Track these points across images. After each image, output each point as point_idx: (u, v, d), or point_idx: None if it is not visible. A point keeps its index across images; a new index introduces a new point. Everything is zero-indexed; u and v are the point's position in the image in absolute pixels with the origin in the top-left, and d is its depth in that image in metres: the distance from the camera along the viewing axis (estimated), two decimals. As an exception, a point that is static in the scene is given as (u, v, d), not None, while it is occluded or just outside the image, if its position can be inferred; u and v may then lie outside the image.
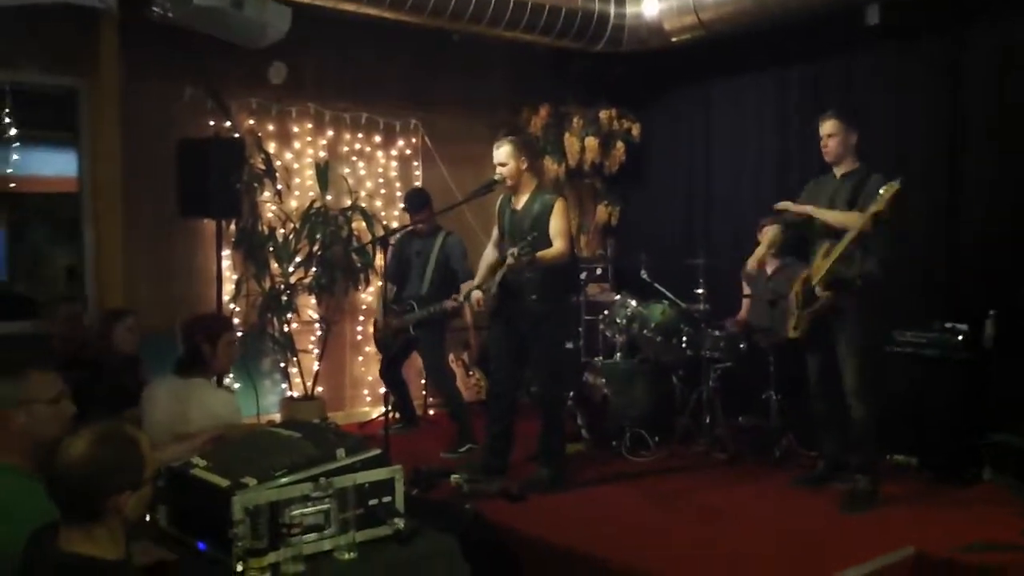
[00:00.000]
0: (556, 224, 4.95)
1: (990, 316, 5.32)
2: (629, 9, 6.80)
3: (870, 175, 4.75)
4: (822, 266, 4.76)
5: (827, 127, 4.87)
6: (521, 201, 5.12)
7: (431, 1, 5.88)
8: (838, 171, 4.90)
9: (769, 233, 5.29)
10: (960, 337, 5.34)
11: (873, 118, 6.06)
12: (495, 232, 5.37)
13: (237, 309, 6.51)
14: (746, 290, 6.44)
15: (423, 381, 7.24)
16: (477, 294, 5.23)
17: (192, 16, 4.20)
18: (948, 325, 5.42)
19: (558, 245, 4.92)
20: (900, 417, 5.30)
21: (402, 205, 6.50)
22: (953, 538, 4.16)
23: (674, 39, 6.81)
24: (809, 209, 4.87)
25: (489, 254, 5.37)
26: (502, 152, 5.06)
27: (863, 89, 6.36)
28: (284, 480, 2.68)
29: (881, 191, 4.50)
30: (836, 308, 4.78)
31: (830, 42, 6.42)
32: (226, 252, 6.30)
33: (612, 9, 6.75)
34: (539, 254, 4.80)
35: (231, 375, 6.47)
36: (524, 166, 5.08)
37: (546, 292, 4.99)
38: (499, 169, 5.07)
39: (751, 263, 5.20)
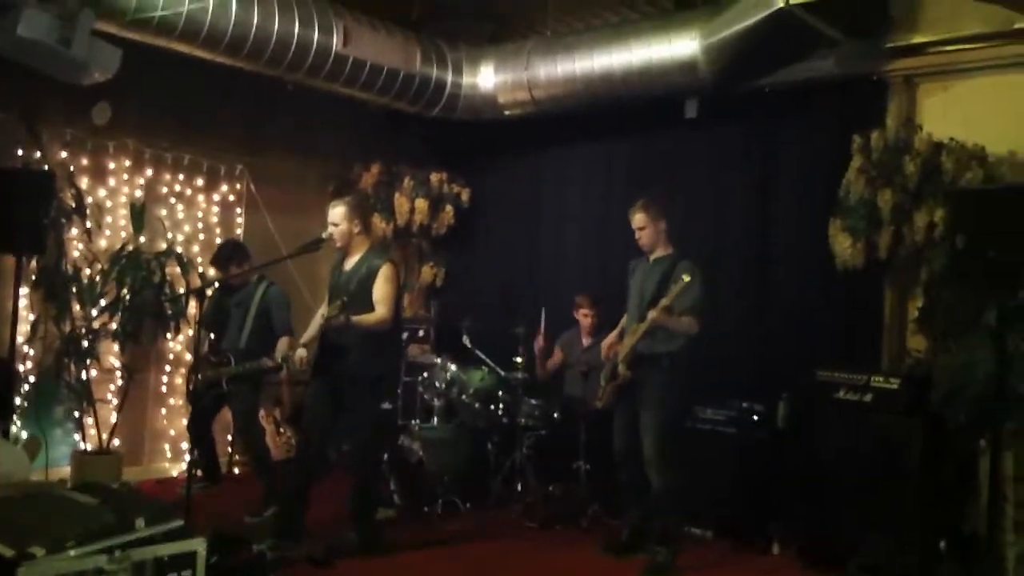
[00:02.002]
0: (380, 289, 4.93)
1: (783, 397, 5.69)
2: (466, 79, 6.95)
3: (679, 261, 5.06)
4: (626, 344, 5.01)
5: (636, 220, 5.19)
6: (351, 262, 5.09)
7: (268, 50, 5.79)
8: (651, 256, 5.20)
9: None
10: (756, 416, 5.70)
11: (692, 198, 6.48)
12: (328, 292, 5.30)
13: (31, 352, 6.08)
14: (556, 358, 6.65)
15: (229, 436, 6.96)
16: (302, 352, 5.13)
17: (15, 47, 3.94)
18: (746, 404, 5.77)
19: (380, 311, 4.89)
20: (699, 490, 5.54)
21: (215, 261, 6.19)
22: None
23: (507, 112, 7.02)
24: (626, 344, 5.09)
25: (320, 314, 5.27)
26: (336, 213, 5.04)
27: (683, 169, 6.76)
28: (76, 552, 2.51)
29: (675, 285, 4.80)
30: (639, 383, 5.01)
31: (654, 124, 6.79)
32: (25, 290, 5.88)
33: (449, 78, 6.88)
34: (357, 319, 4.78)
35: (17, 424, 6.04)
36: (356, 229, 5.07)
37: (367, 355, 4.94)
38: (331, 228, 5.04)
39: (605, 348, 5.38)
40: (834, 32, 5.30)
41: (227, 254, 6.08)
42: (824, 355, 5.67)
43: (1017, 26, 5.08)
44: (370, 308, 4.89)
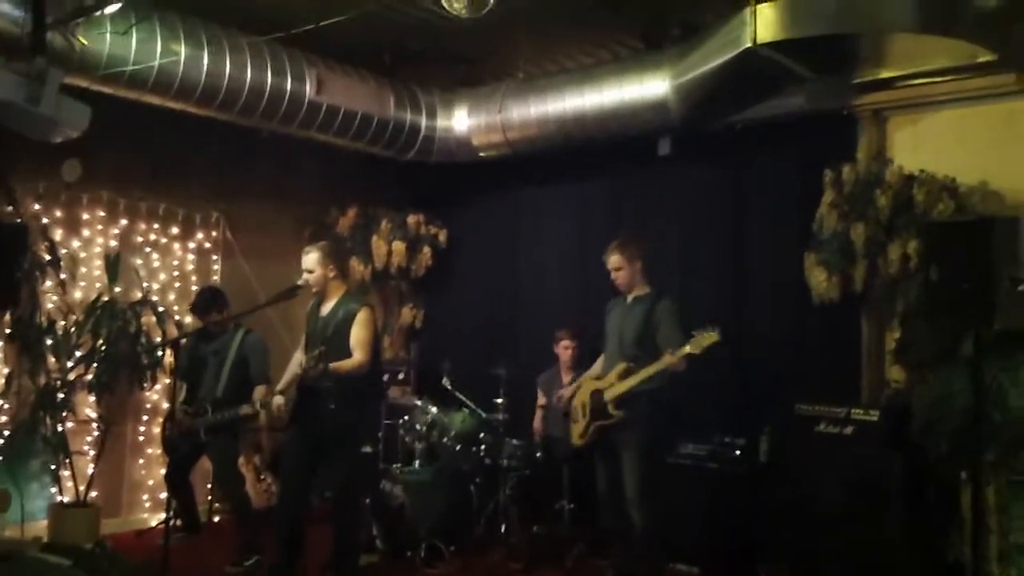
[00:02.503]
0: (357, 334, 4.91)
1: (765, 432, 5.69)
2: (440, 123, 6.99)
3: (660, 299, 5.07)
4: (618, 387, 4.99)
5: (612, 262, 5.23)
6: (327, 307, 5.08)
7: (240, 100, 5.80)
8: (629, 296, 5.21)
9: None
10: (738, 451, 5.69)
11: (666, 233, 6.53)
12: (304, 337, 5.27)
13: (6, 405, 6.00)
14: (541, 399, 6.61)
15: (209, 485, 6.87)
16: (279, 400, 5.10)
17: (-19, 105, 3.94)
18: (727, 439, 5.76)
19: (357, 356, 4.87)
20: (682, 527, 5.52)
21: (195, 307, 6.13)
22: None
23: (482, 153, 7.06)
24: (623, 384, 5.05)
25: (297, 359, 5.26)
26: (310, 259, 5.03)
27: (657, 205, 6.81)
28: (47, 619, 2.47)
29: (701, 335, 4.79)
30: (620, 422, 5.00)
31: (628, 162, 6.84)
32: (-1, 344, 5.82)
33: (423, 122, 6.92)
34: (335, 365, 4.75)
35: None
36: (332, 274, 5.06)
37: (345, 400, 4.90)
38: (306, 275, 5.04)
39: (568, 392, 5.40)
40: (803, 70, 5.36)
41: (206, 301, 6.04)
42: (803, 387, 5.69)
43: (981, 59, 5.16)
44: (347, 353, 4.86)
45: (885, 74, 5.64)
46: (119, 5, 4.55)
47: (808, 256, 5.55)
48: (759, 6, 4.98)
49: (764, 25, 5.00)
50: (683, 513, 5.56)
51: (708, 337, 4.80)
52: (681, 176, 6.64)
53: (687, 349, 4.81)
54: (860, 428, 5.12)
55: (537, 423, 6.58)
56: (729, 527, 5.53)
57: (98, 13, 4.63)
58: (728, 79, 5.46)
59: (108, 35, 4.94)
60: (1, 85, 3.88)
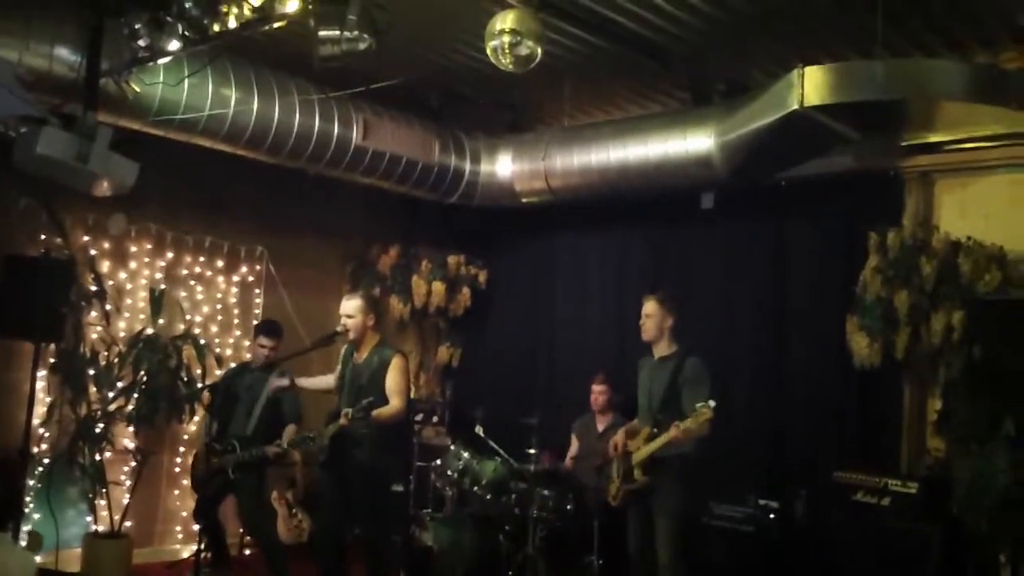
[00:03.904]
0: (393, 381, 5.02)
1: (800, 495, 5.60)
2: (484, 168, 7.03)
3: (686, 359, 5.01)
4: (643, 451, 4.95)
5: (647, 307, 5.19)
6: (362, 355, 5.18)
7: (288, 144, 5.89)
8: (656, 352, 5.18)
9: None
10: (772, 514, 5.60)
11: (706, 287, 6.48)
12: (338, 370, 5.39)
13: (47, 434, 6.10)
14: (573, 448, 6.58)
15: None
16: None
17: (34, 163, 4.03)
18: (762, 502, 5.67)
19: (394, 403, 4.97)
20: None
21: (259, 327, 6.22)
22: None
23: (524, 199, 7.07)
24: (643, 450, 4.98)
25: (328, 379, 5.47)
26: (351, 305, 5.14)
27: (697, 259, 6.77)
28: None
29: (699, 408, 4.68)
30: (653, 486, 4.96)
31: (670, 214, 6.81)
32: (42, 373, 5.91)
33: (467, 166, 6.96)
34: (376, 413, 4.85)
35: (31, 504, 6.05)
36: (371, 323, 5.18)
37: (377, 447, 5.01)
38: (344, 320, 5.13)
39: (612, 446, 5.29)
40: (850, 131, 5.30)
41: (270, 327, 6.11)
42: (841, 451, 5.61)
43: (1033, 127, 5.08)
44: (384, 401, 4.95)
45: (934, 138, 5.58)
46: (173, 56, 4.61)
47: (850, 320, 5.47)
48: (807, 68, 4.93)
49: (812, 87, 4.93)
50: (715, 575, 5.48)
51: (703, 413, 4.66)
52: (722, 230, 6.61)
53: (687, 424, 4.71)
54: (898, 500, 5.03)
55: (568, 463, 6.57)
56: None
57: (152, 64, 4.72)
58: (774, 139, 5.40)
59: (161, 83, 5.03)
60: (52, 143, 3.98)
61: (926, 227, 5.49)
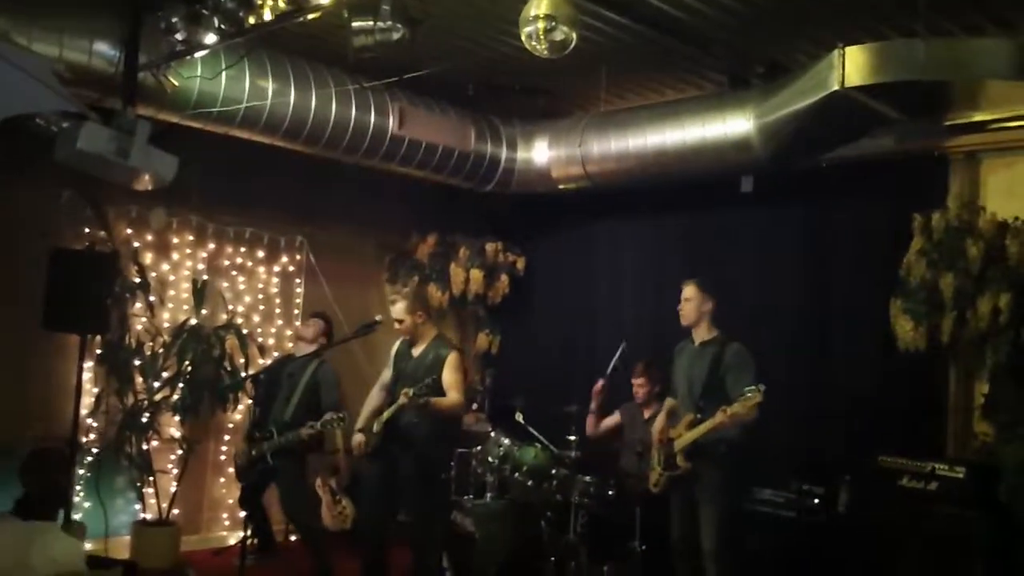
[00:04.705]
0: (450, 376, 5.07)
1: (845, 481, 5.53)
2: (520, 155, 7.01)
3: (728, 344, 4.97)
4: (685, 437, 4.91)
5: (687, 291, 5.16)
6: (419, 350, 5.25)
7: (325, 134, 5.92)
8: (696, 338, 5.15)
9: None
10: (816, 500, 5.54)
11: (743, 274, 6.40)
12: (385, 374, 5.43)
13: (95, 424, 6.22)
14: (613, 419, 6.55)
15: (284, 505, 7.00)
16: (359, 437, 5.26)
17: (75, 158, 4.09)
18: (805, 487, 5.61)
19: (453, 396, 5.04)
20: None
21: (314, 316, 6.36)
22: None
23: (561, 186, 7.04)
24: (685, 437, 4.98)
25: (374, 397, 5.42)
26: (398, 310, 5.23)
27: (736, 244, 6.70)
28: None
29: (748, 393, 4.66)
30: (697, 472, 4.92)
31: (709, 199, 6.72)
32: (89, 364, 6.01)
33: (504, 154, 6.95)
34: (435, 400, 4.92)
35: (81, 493, 6.18)
36: (420, 320, 5.23)
37: (435, 437, 5.10)
38: (396, 324, 5.23)
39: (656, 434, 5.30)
40: (892, 111, 5.20)
41: (327, 320, 6.24)
42: (886, 436, 5.52)
43: (1082, 104, 4.95)
44: (442, 392, 5.02)
45: (979, 117, 5.46)
46: (210, 49, 4.65)
47: (894, 303, 5.38)
48: (847, 49, 4.85)
49: (853, 68, 4.85)
50: (758, 562, 5.44)
51: (752, 397, 4.66)
52: (762, 214, 6.53)
53: (734, 408, 4.70)
54: (945, 485, 4.94)
55: (592, 427, 6.53)
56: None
57: (190, 57, 4.76)
58: (814, 120, 5.33)
59: (199, 77, 5.07)
60: (92, 138, 4.04)
61: (972, 208, 5.38)
